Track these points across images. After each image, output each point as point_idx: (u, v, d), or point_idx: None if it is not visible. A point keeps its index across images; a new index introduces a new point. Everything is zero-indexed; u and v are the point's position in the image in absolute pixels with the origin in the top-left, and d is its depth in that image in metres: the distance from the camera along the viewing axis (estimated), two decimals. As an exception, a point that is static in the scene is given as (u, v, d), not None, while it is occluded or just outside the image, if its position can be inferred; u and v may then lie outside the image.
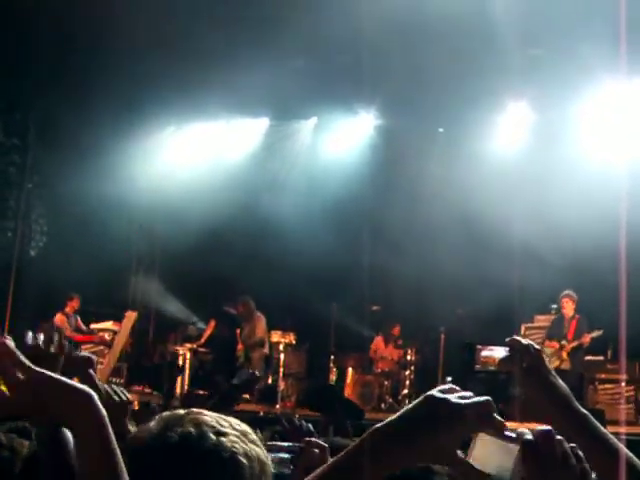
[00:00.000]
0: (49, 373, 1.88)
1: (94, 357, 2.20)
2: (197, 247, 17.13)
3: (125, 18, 14.99)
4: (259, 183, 18.30)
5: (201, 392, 14.53)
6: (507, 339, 2.16)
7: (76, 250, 17.02)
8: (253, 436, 1.93)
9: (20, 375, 1.86)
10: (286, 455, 2.38)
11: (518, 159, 17.30)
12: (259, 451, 1.90)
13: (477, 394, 2.13)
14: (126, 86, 16.61)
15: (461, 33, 15.16)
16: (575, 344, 13.81)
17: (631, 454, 2.01)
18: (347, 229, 16.64)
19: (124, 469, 1.93)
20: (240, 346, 16.36)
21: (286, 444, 2.26)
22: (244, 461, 1.84)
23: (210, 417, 1.91)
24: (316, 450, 2.37)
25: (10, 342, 1.89)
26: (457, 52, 15.72)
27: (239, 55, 16.09)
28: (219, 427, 1.87)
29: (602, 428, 2.03)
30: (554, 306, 14.54)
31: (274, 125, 19.46)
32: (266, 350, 16.21)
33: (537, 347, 2.13)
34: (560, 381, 2.11)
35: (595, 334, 13.75)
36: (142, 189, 18.48)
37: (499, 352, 2.46)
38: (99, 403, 1.91)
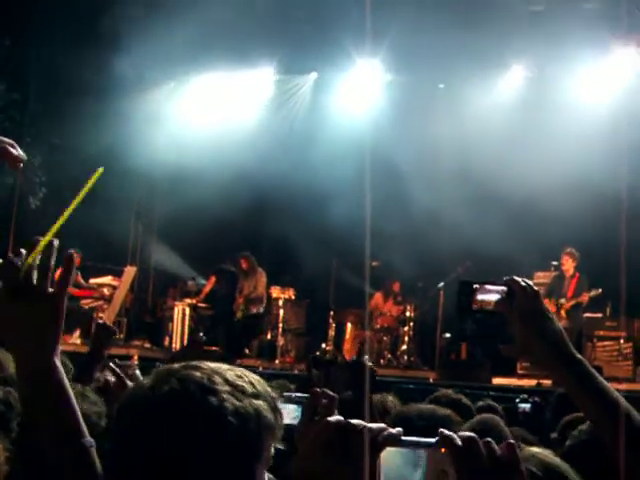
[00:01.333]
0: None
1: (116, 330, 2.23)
2: (198, 202, 17.07)
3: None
4: (265, 138, 18.17)
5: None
6: (505, 278, 2.12)
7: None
8: (255, 389, 1.85)
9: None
10: (293, 406, 2.32)
11: (519, 114, 17.25)
12: (260, 404, 1.83)
13: (474, 334, 2.11)
14: (126, 40, 16.49)
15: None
16: (573, 302, 13.82)
17: (629, 406, 1.98)
18: (345, 185, 16.56)
19: (82, 422, 1.95)
20: (240, 301, 16.34)
21: (294, 395, 2.22)
22: (231, 419, 1.78)
23: (202, 372, 1.84)
24: (324, 400, 2.31)
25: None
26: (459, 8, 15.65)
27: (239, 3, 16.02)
28: (208, 384, 1.81)
29: (596, 373, 2.00)
30: (554, 263, 14.52)
31: (278, 79, 19.32)
32: (263, 306, 16.22)
33: (535, 288, 2.10)
34: (557, 324, 2.07)
35: (594, 293, 13.75)
36: (143, 144, 18.43)
37: (495, 294, 2.46)
38: (57, 362, 1.94)
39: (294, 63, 18.63)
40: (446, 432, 1.55)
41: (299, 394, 1.93)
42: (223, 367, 1.88)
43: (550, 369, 2.06)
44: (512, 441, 1.58)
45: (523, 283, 2.09)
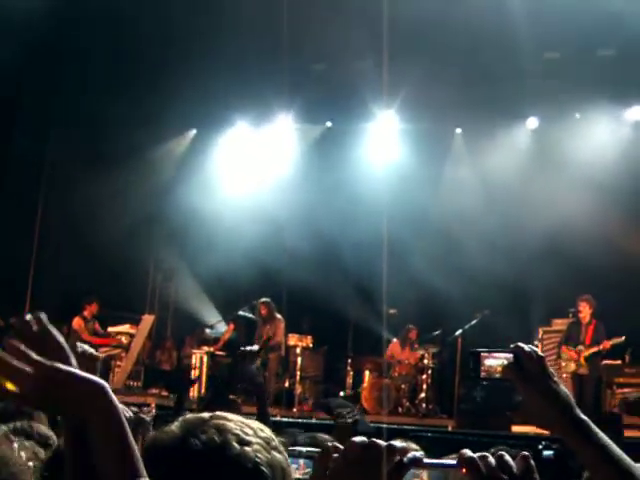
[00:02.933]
0: (58, 365, 1.85)
1: (100, 355, 2.19)
2: (217, 248, 17.23)
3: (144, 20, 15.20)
4: (288, 189, 18.26)
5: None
6: (511, 345, 2.17)
7: (94, 254, 17.12)
8: (275, 442, 1.89)
9: (28, 369, 1.83)
10: (304, 461, 2.35)
11: (535, 162, 17.33)
12: (281, 458, 1.87)
13: (483, 401, 2.15)
14: (145, 96, 16.75)
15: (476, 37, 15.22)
16: (594, 350, 13.73)
17: (632, 463, 2.00)
18: (364, 235, 16.63)
19: (140, 460, 1.91)
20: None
21: (305, 449, 2.24)
22: (266, 471, 1.81)
23: (234, 423, 1.86)
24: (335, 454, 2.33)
25: (15, 342, 1.85)
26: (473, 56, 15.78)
27: (260, 61, 16.23)
28: (243, 435, 1.83)
29: (602, 434, 2.02)
30: (572, 310, 14.47)
31: (297, 129, 19.50)
32: (282, 353, 16.15)
33: (540, 353, 2.14)
34: (562, 387, 2.11)
35: (616, 341, 13.68)
36: (168, 197, 18.80)
37: (503, 360, 2.50)
38: (112, 394, 1.89)
39: (312, 114, 18.80)
40: (465, 452, 1.60)
41: (310, 449, 1.96)
42: (245, 420, 1.91)
43: (557, 431, 2.10)
44: (526, 453, 1.62)
45: (528, 349, 2.13)
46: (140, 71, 16.87)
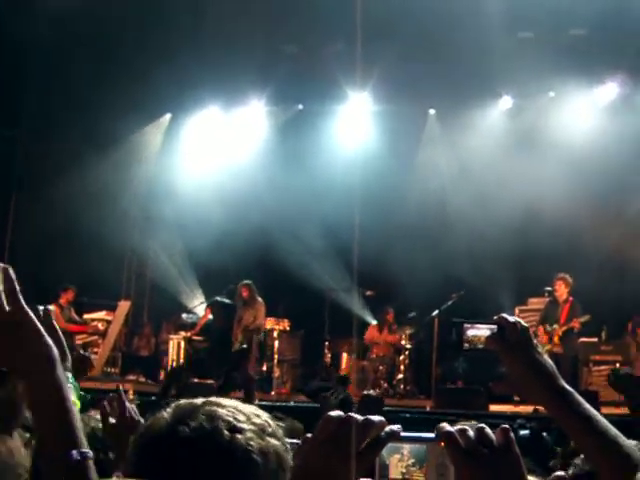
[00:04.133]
0: (31, 315, 1.89)
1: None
2: (195, 232, 17.22)
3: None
4: (262, 172, 18.22)
5: (196, 380, 14.58)
6: (495, 317, 2.16)
7: (69, 241, 17.05)
8: (272, 428, 1.84)
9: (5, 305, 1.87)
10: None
11: (510, 141, 17.38)
12: (277, 444, 1.82)
13: (465, 373, 2.14)
14: (120, 82, 16.67)
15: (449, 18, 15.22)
16: (564, 328, 13.79)
17: (617, 432, 2.00)
18: (339, 215, 16.63)
19: (81, 432, 1.90)
20: (238, 331, 16.08)
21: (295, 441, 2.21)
22: (258, 459, 1.76)
23: (227, 409, 1.82)
24: None
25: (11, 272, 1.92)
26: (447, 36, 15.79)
27: (232, 42, 16.16)
28: (235, 422, 1.79)
29: (587, 405, 2.02)
30: (548, 289, 14.51)
31: (268, 111, 19.48)
32: (261, 337, 16.09)
33: (524, 324, 2.13)
34: (546, 358, 2.11)
35: (584, 319, 13.73)
36: (139, 181, 18.76)
37: (485, 331, 2.50)
38: (59, 366, 1.88)
39: (284, 96, 18.76)
40: (444, 427, 1.60)
41: (291, 440, 1.92)
42: (240, 404, 1.87)
43: (542, 401, 2.09)
44: (506, 426, 1.61)
45: (512, 319, 2.13)
46: (116, 56, 16.77)
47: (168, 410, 1.84)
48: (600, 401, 12.30)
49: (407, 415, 11.95)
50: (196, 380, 14.72)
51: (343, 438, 1.56)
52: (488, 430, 1.61)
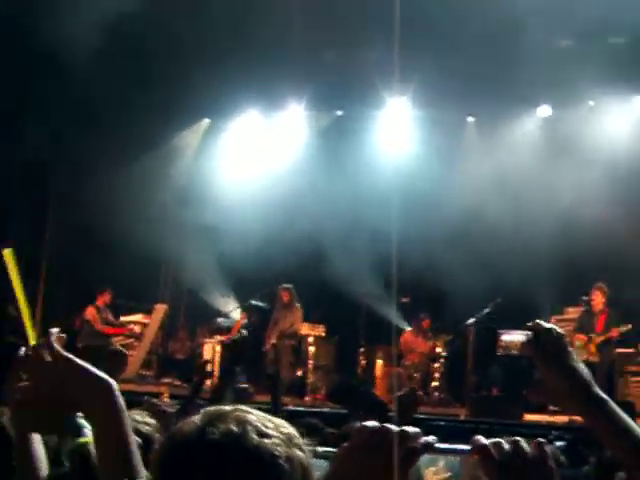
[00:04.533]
0: (75, 359, 1.94)
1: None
2: (235, 237, 17.32)
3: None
4: (301, 178, 18.25)
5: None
6: (529, 323, 2.14)
7: (108, 244, 17.15)
8: (298, 440, 1.86)
9: (48, 357, 1.92)
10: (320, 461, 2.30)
11: (548, 150, 17.31)
12: (302, 456, 1.84)
13: (499, 379, 2.12)
14: (161, 82, 16.79)
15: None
16: (603, 337, 13.69)
17: None
18: (379, 220, 16.60)
19: (139, 460, 1.93)
20: (272, 334, 16.01)
21: (322, 449, 2.20)
22: (285, 465, 1.78)
23: (256, 416, 1.84)
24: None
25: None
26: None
27: (272, 47, 16.21)
28: (263, 428, 1.81)
29: (624, 414, 2.01)
30: (585, 298, 14.41)
31: (307, 116, 19.52)
32: (297, 342, 16.08)
33: (559, 331, 2.11)
34: (582, 365, 2.09)
35: (624, 329, 13.63)
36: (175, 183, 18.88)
37: (520, 336, 2.45)
38: (119, 394, 1.92)
39: (324, 101, 18.80)
40: (479, 439, 1.59)
41: (327, 449, 1.92)
42: (268, 415, 1.89)
43: (577, 410, 2.07)
44: (542, 439, 1.61)
45: (548, 326, 2.11)
46: (155, 60, 16.86)
47: (198, 416, 1.86)
48: (637, 412, 12.20)
49: (441, 423, 11.92)
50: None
51: (378, 448, 1.56)
52: (523, 443, 1.60)
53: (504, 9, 14.80)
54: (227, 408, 1.87)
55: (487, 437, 1.66)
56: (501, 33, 15.46)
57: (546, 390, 2.10)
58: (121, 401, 1.95)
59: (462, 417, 13.78)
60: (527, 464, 1.58)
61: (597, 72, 15.68)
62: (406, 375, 15.61)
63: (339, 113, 19.38)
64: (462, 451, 1.64)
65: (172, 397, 12.32)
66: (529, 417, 13.04)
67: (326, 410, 13.80)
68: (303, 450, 1.86)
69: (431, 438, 1.61)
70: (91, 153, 17.57)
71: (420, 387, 15.57)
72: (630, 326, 13.61)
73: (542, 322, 2.13)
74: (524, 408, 13.17)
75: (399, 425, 1.60)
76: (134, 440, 1.96)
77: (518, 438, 1.62)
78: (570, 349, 2.10)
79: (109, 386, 1.95)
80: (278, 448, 1.79)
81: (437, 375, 15.59)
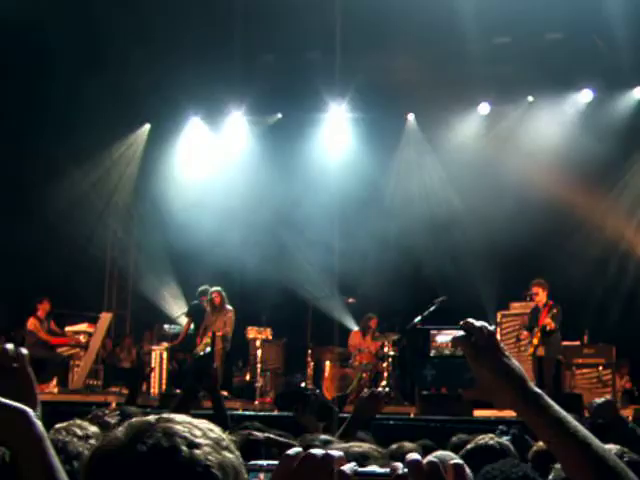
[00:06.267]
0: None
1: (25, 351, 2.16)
2: (177, 240, 17.26)
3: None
4: (243, 181, 18.23)
5: (178, 391, 14.50)
6: (461, 322, 2.15)
7: (49, 254, 16.97)
8: (226, 442, 1.82)
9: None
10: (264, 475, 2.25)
11: (491, 145, 17.45)
12: (233, 458, 1.80)
13: (432, 380, 2.11)
14: (101, 89, 16.64)
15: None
16: (539, 329, 13.76)
17: (588, 433, 1.99)
18: (318, 223, 16.68)
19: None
20: (204, 337, 15.83)
21: (266, 463, 2.16)
22: (218, 474, 1.74)
23: (182, 425, 1.78)
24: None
25: None
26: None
27: (210, 52, 16.16)
28: (192, 438, 1.76)
29: (557, 407, 2.01)
30: (529, 293, 14.52)
31: (248, 121, 19.52)
32: (228, 345, 15.89)
33: (490, 328, 2.12)
34: (514, 362, 2.10)
35: (552, 313, 13.64)
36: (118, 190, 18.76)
37: (453, 335, 2.48)
38: (36, 419, 1.88)
39: (264, 106, 18.78)
40: (397, 466, 1.56)
41: (271, 462, 1.89)
42: (194, 420, 1.84)
43: (512, 405, 2.08)
44: (460, 461, 1.59)
45: (479, 324, 2.11)
46: (95, 68, 16.72)
47: (120, 429, 1.80)
48: (584, 404, 12.33)
49: (391, 422, 11.91)
50: (178, 391, 14.62)
51: (303, 474, 1.55)
52: (440, 468, 1.58)
53: (441, 9, 14.91)
54: (151, 419, 1.81)
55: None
56: (438, 32, 15.55)
57: (480, 388, 2.09)
58: (40, 429, 1.91)
59: (412, 415, 13.81)
60: None
61: (535, 68, 15.86)
62: (355, 375, 15.62)
63: (279, 116, 19.36)
64: (383, 474, 1.62)
65: (120, 406, 12.20)
66: (478, 413, 13.11)
67: (275, 414, 13.75)
68: (232, 451, 1.82)
69: (352, 464, 1.59)
70: (31, 163, 17.39)
71: (369, 387, 15.59)
72: (555, 310, 13.63)
73: (472, 320, 2.13)
74: (473, 405, 13.25)
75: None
76: (57, 464, 1.91)
77: (435, 461, 1.58)
78: (502, 346, 2.10)
79: (25, 412, 1.90)
80: (209, 457, 1.75)
81: (386, 374, 15.60)
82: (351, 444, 3.34)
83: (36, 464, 1.87)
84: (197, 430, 1.79)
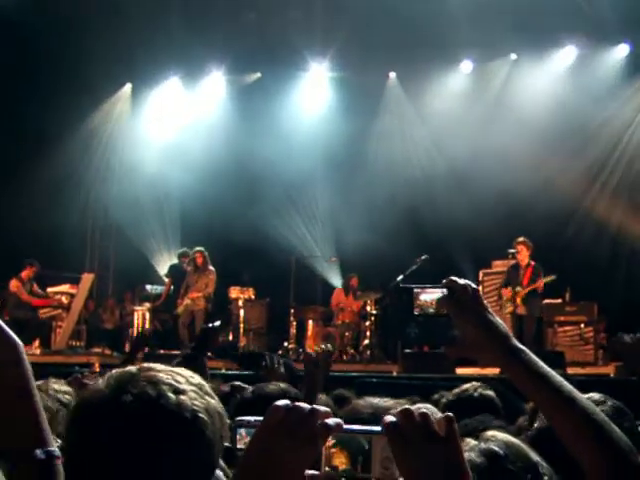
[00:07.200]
0: None
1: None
2: (158, 199, 17.22)
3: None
4: (224, 138, 18.14)
5: (162, 351, 14.52)
6: (444, 280, 2.15)
7: (31, 215, 16.89)
8: (207, 388, 1.84)
9: None
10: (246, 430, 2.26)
11: (475, 103, 17.45)
12: (215, 403, 1.82)
13: (416, 338, 2.11)
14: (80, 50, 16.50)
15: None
16: (528, 289, 13.85)
17: (572, 388, 1.99)
18: (303, 179, 16.65)
19: (48, 428, 1.85)
20: (185, 298, 15.78)
21: (253, 419, 2.15)
22: (206, 418, 1.75)
23: (165, 374, 1.79)
24: None
25: None
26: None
27: (193, 11, 16.04)
28: (176, 384, 1.77)
29: (541, 363, 2.02)
30: (512, 251, 14.54)
31: (227, 80, 19.41)
32: (209, 306, 15.87)
33: (474, 286, 2.12)
34: (498, 319, 2.10)
35: (548, 279, 13.79)
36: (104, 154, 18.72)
37: (437, 294, 2.48)
38: (24, 356, 1.85)
39: (245, 65, 18.67)
40: (387, 418, 1.58)
41: (258, 418, 1.89)
42: (174, 368, 1.85)
43: (496, 362, 2.08)
44: (450, 414, 1.60)
45: (462, 282, 2.11)
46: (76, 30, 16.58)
47: (102, 381, 1.78)
48: (566, 361, 12.42)
49: (374, 380, 11.95)
50: (162, 351, 14.63)
51: (289, 427, 1.57)
52: (431, 419, 1.59)
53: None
54: (132, 369, 1.81)
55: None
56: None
57: (464, 345, 2.10)
58: (27, 364, 1.87)
59: (395, 373, 13.86)
60: (433, 441, 1.57)
61: (518, 27, 15.78)
62: (337, 334, 15.66)
63: (259, 75, 19.23)
64: (372, 432, 1.62)
65: (103, 367, 12.20)
66: (461, 371, 13.16)
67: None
68: (213, 396, 1.84)
69: (339, 420, 1.60)
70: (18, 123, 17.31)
71: (352, 345, 15.65)
72: (554, 276, 13.78)
73: (456, 278, 2.13)
74: (456, 363, 13.29)
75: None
76: (41, 407, 1.87)
77: (425, 411, 1.60)
78: (485, 303, 2.11)
79: (17, 345, 1.87)
80: (195, 402, 1.76)
81: (368, 333, 15.64)
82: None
83: (21, 394, 1.83)
84: (180, 377, 1.81)
